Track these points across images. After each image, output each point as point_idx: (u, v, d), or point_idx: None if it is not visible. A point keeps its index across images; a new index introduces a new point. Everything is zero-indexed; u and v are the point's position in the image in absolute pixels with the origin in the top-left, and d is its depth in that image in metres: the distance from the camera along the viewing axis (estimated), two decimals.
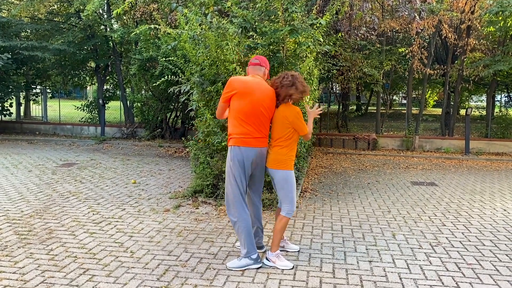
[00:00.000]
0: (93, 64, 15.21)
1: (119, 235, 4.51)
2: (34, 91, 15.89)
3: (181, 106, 12.11)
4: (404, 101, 30.74)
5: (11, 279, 3.42)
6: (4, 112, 13.74)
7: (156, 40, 10.50)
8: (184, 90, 5.80)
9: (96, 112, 14.84)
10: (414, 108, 19.31)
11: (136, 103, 12.72)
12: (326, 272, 3.69)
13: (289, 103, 3.78)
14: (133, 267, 3.70)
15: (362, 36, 11.22)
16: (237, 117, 3.71)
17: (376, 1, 10.39)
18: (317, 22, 5.49)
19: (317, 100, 8.93)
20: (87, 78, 16.86)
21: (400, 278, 3.59)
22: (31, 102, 17.15)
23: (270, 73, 5.36)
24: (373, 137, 11.76)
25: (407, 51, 11.31)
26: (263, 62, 3.94)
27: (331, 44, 9.22)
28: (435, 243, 4.47)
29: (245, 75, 4.34)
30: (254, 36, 5.48)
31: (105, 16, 13.78)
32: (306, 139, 3.88)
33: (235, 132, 3.73)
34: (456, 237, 4.67)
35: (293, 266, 3.76)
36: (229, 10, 5.61)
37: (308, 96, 6.08)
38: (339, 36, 8.90)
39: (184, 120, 12.67)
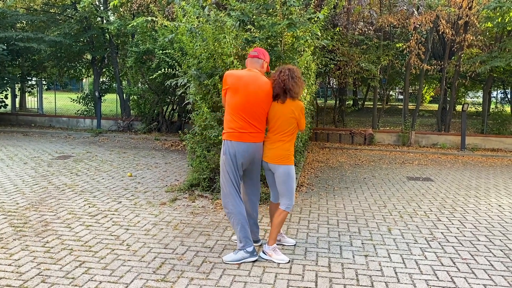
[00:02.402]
0: (89, 56, 15.10)
1: (115, 228, 4.50)
2: (29, 83, 15.77)
3: (177, 100, 12.07)
4: (401, 97, 30.80)
5: (6, 271, 3.42)
6: None
7: (153, 32, 10.44)
8: (181, 83, 5.77)
9: (92, 105, 14.77)
10: (411, 104, 19.34)
11: (132, 96, 12.67)
12: (322, 266, 3.70)
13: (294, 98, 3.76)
14: (129, 260, 3.70)
15: (360, 31, 11.21)
16: (230, 112, 3.71)
17: None
18: (315, 16, 5.47)
19: (314, 95, 8.91)
20: (83, 70, 16.75)
21: (396, 273, 3.61)
22: (27, 94, 17.04)
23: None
24: (370, 132, 11.78)
25: (404, 46, 11.30)
26: (261, 54, 3.85)
27: (329, 38, 9.23)
28: (430, 238, 4.49)
29: (243, 68, 4.31)
30: (252, 30, 5.46)
31: (102, 7, 13.68)
32: (302, 131, 3.95)
33: (228, 127, 3.73)
34: (451, 232, 4.70)
35: (289, 260, 3.77)
36: (227, 3, 5.58)
37: (306, 90, 6.07)
38: (337, 31, 8.89)
39: (181, 113, 12.63)
